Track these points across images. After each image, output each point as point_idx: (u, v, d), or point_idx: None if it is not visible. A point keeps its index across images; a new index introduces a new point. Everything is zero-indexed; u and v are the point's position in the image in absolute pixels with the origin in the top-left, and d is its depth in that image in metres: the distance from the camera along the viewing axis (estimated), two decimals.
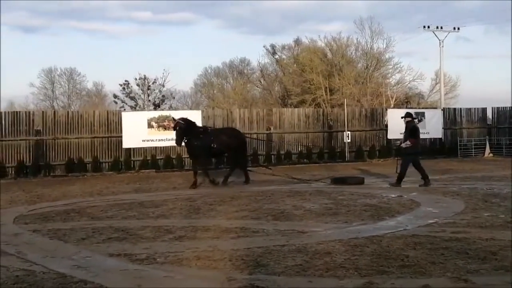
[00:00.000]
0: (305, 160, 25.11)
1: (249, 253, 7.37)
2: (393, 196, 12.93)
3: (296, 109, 30.56)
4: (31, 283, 6.21)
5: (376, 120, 27.53)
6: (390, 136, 26.77)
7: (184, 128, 15.67)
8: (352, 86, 45.37)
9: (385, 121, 27.54)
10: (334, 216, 10.31)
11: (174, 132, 15.89)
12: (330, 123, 26.95)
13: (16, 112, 23.88)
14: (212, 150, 16.31)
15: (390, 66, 48.48)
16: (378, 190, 14.32)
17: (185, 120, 15.98)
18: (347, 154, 26.02)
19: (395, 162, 16.42)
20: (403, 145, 15.01)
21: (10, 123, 21.21)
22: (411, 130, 15.01)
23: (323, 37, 53.97)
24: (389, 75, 48.79)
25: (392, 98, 44.89)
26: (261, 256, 7.21)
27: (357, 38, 48.83)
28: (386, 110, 28.56)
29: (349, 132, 26.17)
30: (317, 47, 48.40)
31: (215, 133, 16.86)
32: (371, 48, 47.91)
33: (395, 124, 26.87)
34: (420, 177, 14.93)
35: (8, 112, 23.10)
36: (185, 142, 15.80)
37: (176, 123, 15.82)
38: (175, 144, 16.21)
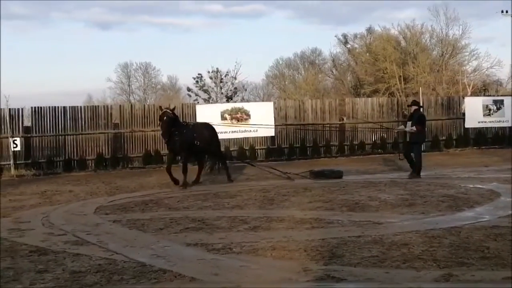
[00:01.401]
0: (379, 150, 24.75)
1: (324, 244, 7.35)
2: (471, 186, 12.58)
3: (369, 98, 30.12)
4: (112, 271, 6.42)
5: (453, 108, 26.75)
6: (468, 125, 26.02)
7: (172, 119, 14.45)
8: (427, 74, 44.30)
9: (462, 109, 26.74)
10: (411, 207, 10.14)
11: (160, 122, 14.69)
12: (405, 112, 26.41)
13: (95, 106, 24.69)
14: (194, 148, 14.94)
15: (467, 53, 47.04)
16: (455, 180, 13.96)
17: (173, 111, 14.72)
18: (423, 144, 25.40)
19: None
20: (407, 129, 14.80)
21: (89, 117, 21.91)
22: (419, 117, 14.82)
23: (396, 25, 52.86)
24: (466, 62, 47.34)
25: (469, 86, 43.53)
26: (337, 247, 7.18)
27: (431, 25, 47.63)
28: (463, 98, 27.74)
29: None
30: (390, 35, 47.51)
31: (196, 129, 15.42)
32: (446, 35, 46.68)
33: (473, 112, 26.22)
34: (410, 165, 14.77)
35: (88, 107, 23.87)
36: (168, 140, 14.43)
37: (163, 113, 14.45)
38: (162, 137, 15.13)
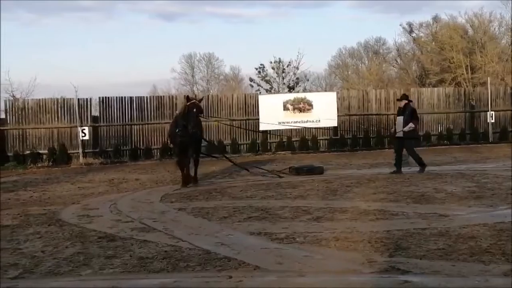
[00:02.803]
0: (445, 141, 24.24)
1: (388, 236, 7.27)
2: None
3: (435, 88, 29.50)
4: (178, 258, 6.54)
5: None
6: None
7: (201, 111, 13.58)
8: (496, 64, 42.92)
9: None
10: (478, 199, 9.89)
11: (190, 113, 13.05)
12: (472, 103, 25.79)
13: (160, 96, 25.18)
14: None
15: None
16: None
17: (200, 101, 13.83)
18: (490, 135, 24.76)
19: None
20: (405, 128, 13.95)
21: (155, 107, 22.35)
22: (412, 112, 14.18)
23: (463, 13, 51.55)
24: None
25: None
26: (402, 239, 7.08)
27: (500, 13, 46.10)
28: None
29: (493, 112, 24.90)
30: (457, 24, 46.24)
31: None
32: None
33: None
34: (394, 163, 14.29)
35: (153, 97, 24.36)
36: (182, 130, 13.10)
37: (192, 104, 13.22)
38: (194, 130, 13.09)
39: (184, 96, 14.71)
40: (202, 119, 14.33)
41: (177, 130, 13.23)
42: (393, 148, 15.11)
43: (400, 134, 14.13)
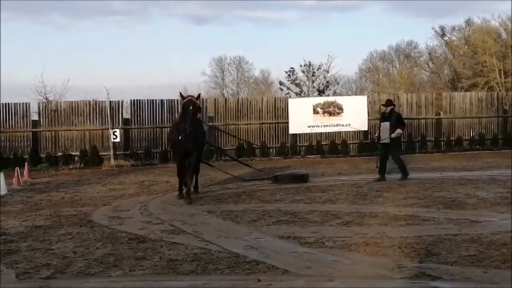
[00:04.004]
0: (477, 146, 23.91)
1: (419, 241, 7.20)
2: None
3: (467, 93, 29.13)
4: (207, 261, 6.57)
5: None
6: None
7: (198, 109, 11.98)
8: None
9: None
10: (510, 205, 9.73)
11: (187, 112, 11.46)
12: (505, 107, 25.39)
13: None
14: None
15: None
16: None
17: (197, 99, 11.97)
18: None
19: None
20: (393, 135, 13.60)
21: None
22: (398, 117, 13.89)
23: (497, 17, 50.85)
24: None
25: None
26: (432, 244, 7.01)
27: None
28: None
29: None
30: (490, 27, 45.59)
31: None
32: None
33: None
34: (378, 169, 13.89)
35: None
36: (189, 132, 11.33)
37: (188, 101, 11.63)
38: (181, 131, 11.47)
39: (179, 94, 12.41)
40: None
41: (179, 137, 11.44)
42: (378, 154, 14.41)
43: (386, 140, 13.73)
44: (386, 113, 14.09)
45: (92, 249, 7.35)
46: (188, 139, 11.38)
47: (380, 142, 13.97)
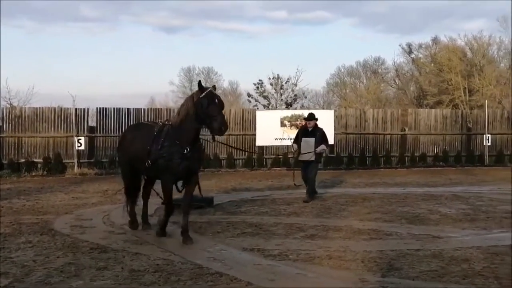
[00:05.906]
0: (441, 163, 24.26)
1: (382, 256, 7.25)
2: None
3: (432, 110, 29.57)
4: (170, 272, 6.51)
5: None
6: None
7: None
8: (493, 87, 43.11)
9: None
10: (472, 222, 9.89)
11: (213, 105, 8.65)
12: (469, 125, 25.86)
13: (158, 109, 25.14)
14: None
15: None
16: None
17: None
18: (486, 158, 24.78)
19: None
20: (318, 150, 12.71)
21: (152, 119, 22.31)
22: (323, 134, 12.96)
23: (463, 36, 51.67)
24: None
25: None
26: (395, 259, 7.07)
27: (499, 37, 46.33)
28: None
29: (489, 135, 24.92)
30: (456, 46, 46.46)
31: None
32: None
33: None
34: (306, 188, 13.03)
35: (151, 109, 24.36)
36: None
37: (212, 93, 8.64)
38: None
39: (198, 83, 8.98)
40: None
41: (184, 151, 8.44)
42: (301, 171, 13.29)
43: (309, 157, 12.75)
44: (309, 128, 13.00)
45: (52, 258, 7.21)
46: (194, 154, 8.53)
47: (302, 159, 12.98)
